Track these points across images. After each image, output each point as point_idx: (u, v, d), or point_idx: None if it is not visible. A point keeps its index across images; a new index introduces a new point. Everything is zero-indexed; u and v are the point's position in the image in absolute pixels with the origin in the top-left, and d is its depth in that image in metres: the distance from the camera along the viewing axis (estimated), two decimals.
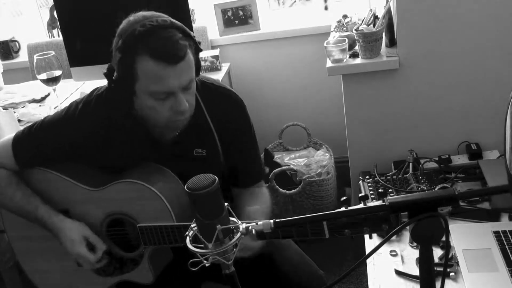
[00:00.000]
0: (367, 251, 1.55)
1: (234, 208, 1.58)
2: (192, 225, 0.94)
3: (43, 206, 1.53)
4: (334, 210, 1.00)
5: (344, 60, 2.13)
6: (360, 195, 0.99)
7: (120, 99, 1.45)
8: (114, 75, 1.38)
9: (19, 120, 2.27)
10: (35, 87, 2.62)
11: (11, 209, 1.56)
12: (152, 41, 1.30)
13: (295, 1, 3.04)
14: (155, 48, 1.30)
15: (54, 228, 1.51)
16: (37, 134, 1.53)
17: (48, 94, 2.54)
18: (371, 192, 1.89)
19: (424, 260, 0.94)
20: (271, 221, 0.98)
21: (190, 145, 1.53)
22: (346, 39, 2.13)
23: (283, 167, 2.51)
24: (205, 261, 0.93)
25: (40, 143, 1.53)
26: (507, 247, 1.48)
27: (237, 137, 1.57)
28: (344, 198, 1.00)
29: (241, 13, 2.89)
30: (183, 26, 1.36)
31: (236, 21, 2.90)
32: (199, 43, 1.42)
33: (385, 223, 1.03)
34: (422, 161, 2.02)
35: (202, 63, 2.59)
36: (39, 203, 1.53)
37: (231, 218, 0.94)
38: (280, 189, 2.49)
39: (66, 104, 1.92)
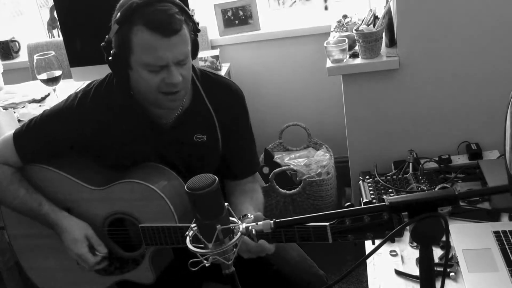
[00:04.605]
0: (367, 251, 1.55)
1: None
2: (192, 225, 0.94)
3: (46, 203, 1.53)
4: (334, 210, 1.00)
5: (344, 60, 2.13)
6: (364, 200, 0.99)
7: (117, 76, 1.46)
8: (112, 50, 1.40)
9: (19, 120, 2.27)
10: (35, 87, 2.61)
11: (14, 207, 1.56)
12: (148, 12, 1.33)
13: (295, 1, 3.04)
14: (151, 19, 1.33)
15: (58, 224, 1.51)
16: (37, 127, 1.54)
17: (48, 94, 2.54)
18: (371, 192, 1.89)
19: (424, 260, 0.94)
20: (271, 221, 0.98)
21: (190, 130, 1.54)
22: (346, 39, 2.13)
23: (283, 167, 2.51)
24: (205, 261, 0.93)
25: (41, 136, 1.53)
26: (507, 247, 1.48)
27: (235, 126, 1.58)
28: (348, 203, 1.00)
29: (241, 13, 2.89)
30: (181, 3, 1.39)
31: (236, 21, 2.90)
32: (198, 23, 1.45)
33: (389, 229, 1.03)
34: (422, 161, 2.02)
35: (202, 63, 2.60)
36: (43, 200, 1.53)
37: (231, 218, 0.94)
38: (280, 189, 2.49)
39: None
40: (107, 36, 1.41)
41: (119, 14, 1.36)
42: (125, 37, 1.36)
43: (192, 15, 1.43)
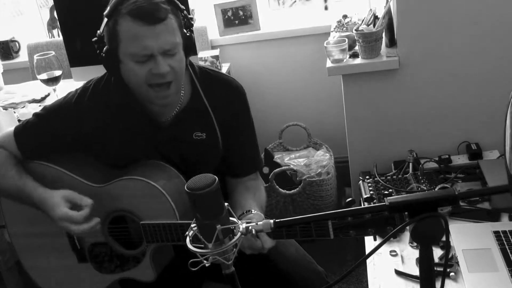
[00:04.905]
0: (367, 251, 1.55)
1: (229, 203, 1.58)
2: (192, 225, 0.94)
3: (31, 182, 1.51)
4: (334, 210, 1.00)
5: (344, 60, 2.13)
6: (364, 196, 0.99)
7: (109, 71, 1.46)
8: (105, 47, 1.40)
9: (19, 120, 2.27)
10: (35, 87, 2.62)
11: (4, 189, 1.55)
12: (133, 2, 1.34)
13: (295, 1, 3.04)
14: (134, 8, 1.33)
15: (39, 199, 1.48)
16: (36, 123, 1.54)
17: (48, 94, 2.54)
18: (371, 192, 1.89)
19: (424, 260, 0.94)
20: (271, 221, 0.98)
21: (189, 128, 1.54)
22: (346, 39, 2.13)
23: (283, 167, 2.51)
24: (205, 261, 0.93)
25: (40, 132, 1.54)
26: (507, 247, 1.48)
27: (235, 123, 1.58)
28: (349, 199, 1.00)
29: (241, 13, 2.89)
30: None
31: (236, 21, 2.90)
32: (191, 19, 1.44)
33: (390, 225, 1.03)
34: (422, 161, 2.02)
35: (202, 63, 2.60)
36: (29, 180, 1.52)
37: (231, 218, 0.94)
38: (280, 189, 2.49)
39: None
40: (98, 31, 1.41)
41: (108, 7, 1.37)
42: (112, 29, 1.37)
43: (183, 9, 1.42)
